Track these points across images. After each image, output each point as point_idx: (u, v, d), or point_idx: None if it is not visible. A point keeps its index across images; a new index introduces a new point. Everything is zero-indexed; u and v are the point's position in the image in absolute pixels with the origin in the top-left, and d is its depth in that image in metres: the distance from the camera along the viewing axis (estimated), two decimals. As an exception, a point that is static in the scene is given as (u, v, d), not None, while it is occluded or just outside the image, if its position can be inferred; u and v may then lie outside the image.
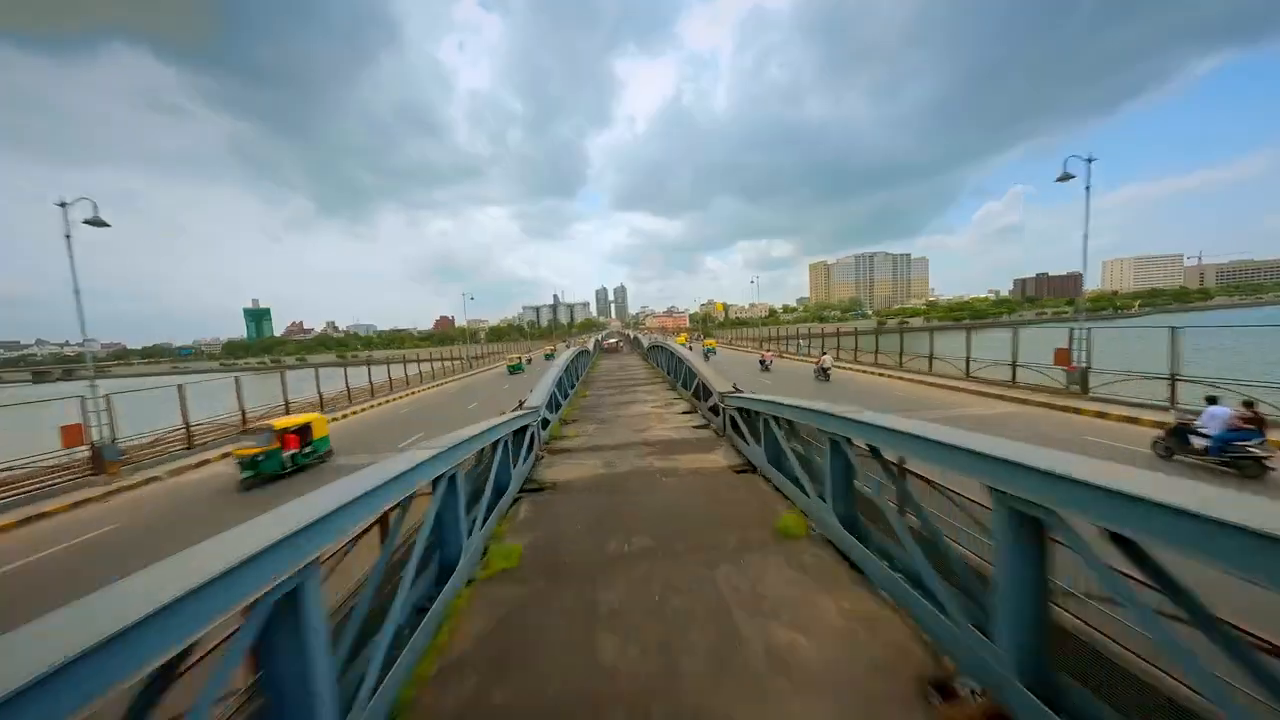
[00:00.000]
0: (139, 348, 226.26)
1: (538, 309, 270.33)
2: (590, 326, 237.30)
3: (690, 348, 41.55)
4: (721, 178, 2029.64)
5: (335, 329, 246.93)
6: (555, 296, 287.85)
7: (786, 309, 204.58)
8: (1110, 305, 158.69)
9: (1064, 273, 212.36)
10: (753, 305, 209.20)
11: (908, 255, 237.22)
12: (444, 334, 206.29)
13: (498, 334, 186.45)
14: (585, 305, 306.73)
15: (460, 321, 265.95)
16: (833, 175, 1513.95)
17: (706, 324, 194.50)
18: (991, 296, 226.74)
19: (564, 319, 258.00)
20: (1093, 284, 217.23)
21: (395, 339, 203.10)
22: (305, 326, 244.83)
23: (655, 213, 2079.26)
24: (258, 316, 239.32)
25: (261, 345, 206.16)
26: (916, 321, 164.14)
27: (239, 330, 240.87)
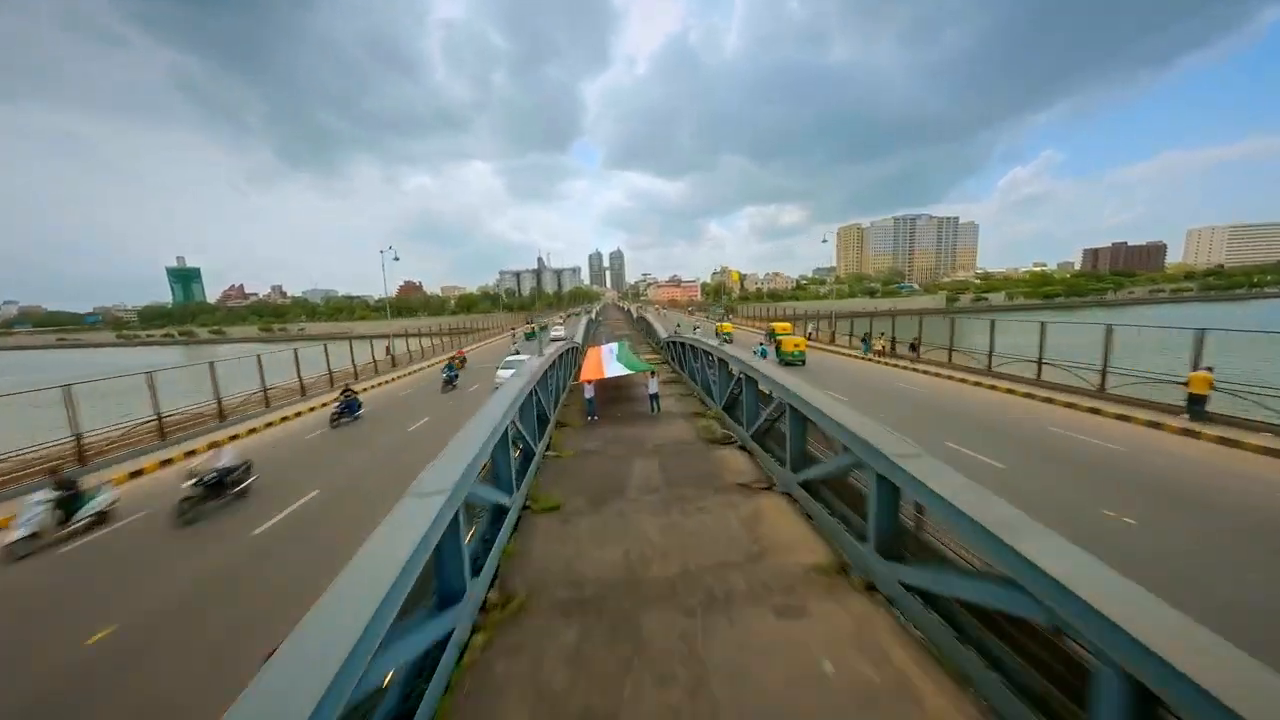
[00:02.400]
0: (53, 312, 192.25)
1: (518, 274, 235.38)
2: (582, 297, 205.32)
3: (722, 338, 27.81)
4: (729, 133, 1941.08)
5: (282, 294, 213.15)
6: (540, 259, 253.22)
7: (814, 280, 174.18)
8: (1246, 283, 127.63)
9: (1143, 243, 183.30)
10: (774, 275, 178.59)
11: (954, 219, 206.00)
12: (403, 302, 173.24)
13: (468, 304, 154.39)
14: (576, 271, 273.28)
15: (431, 288, 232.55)
16: (853, 133, 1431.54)
17: (720, 296, 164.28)
18: (1039, 270, 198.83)
19: (551, 286, 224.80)
20: (1175, 256, 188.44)
21: (344, 308, 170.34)
22: (246, 291, 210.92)
23: (655, 172, 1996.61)
24: (184, 279, 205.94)
25: (183, 313, 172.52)
26: (995, 299, 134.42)
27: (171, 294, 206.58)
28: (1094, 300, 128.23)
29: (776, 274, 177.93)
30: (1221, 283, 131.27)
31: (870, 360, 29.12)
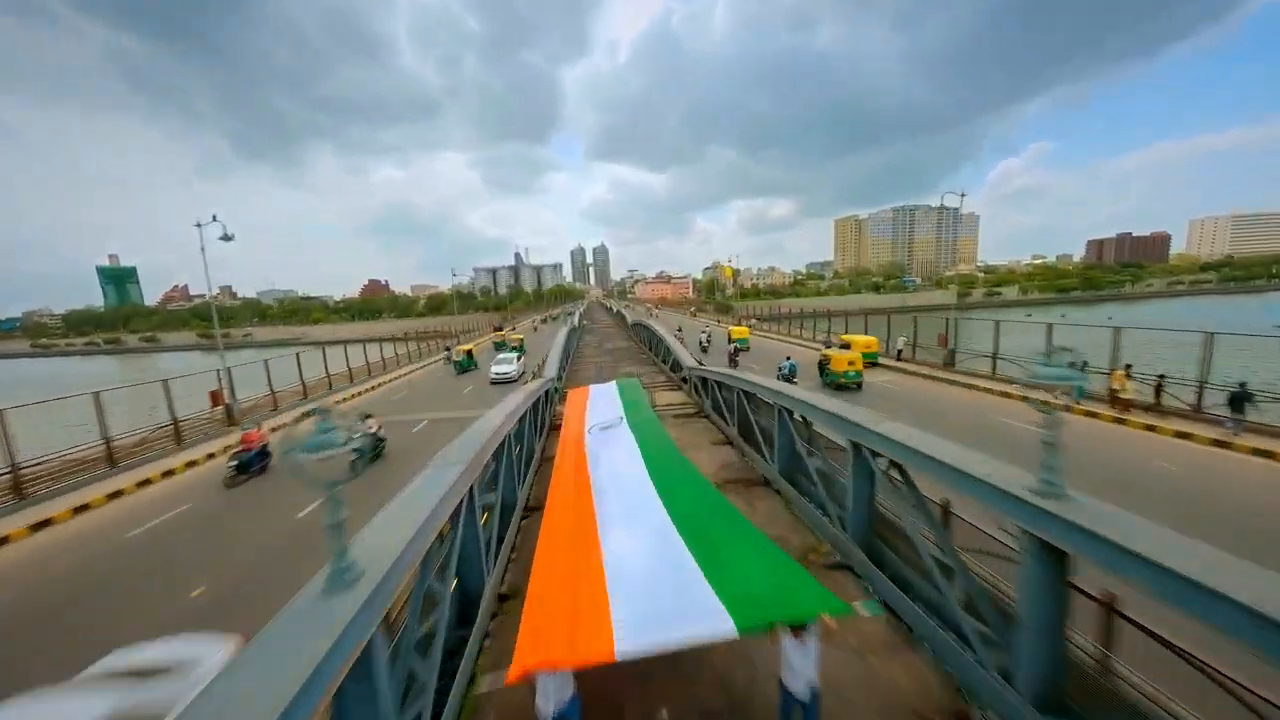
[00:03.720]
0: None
1: (494, 271, 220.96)
2: (564, 295, 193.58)
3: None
4: (716, 122, 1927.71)
5: (232, 296, 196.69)
6: (517, 255, 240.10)
7: (812, 275, 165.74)
8: (1265, 273, 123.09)
9: (1148, 233, 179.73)
10: (770, 270, 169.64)
11: (954, 210, 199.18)
12: (367, 303, 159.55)
13: (438, 304, 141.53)
14: (558, 268, 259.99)
15: (401, 287, 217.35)
16: (844, 123, 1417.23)
17: (714, 293, 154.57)
18: (1040, 263, 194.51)
19: (530, 284, 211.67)
20: (1177, 246, 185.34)
21: (299, 310, 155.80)
22: (191, 293, 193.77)
23: (640, 164, 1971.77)
24: (118, 279, 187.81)
25: (115, 317, 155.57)
26: (1009, 293, 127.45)
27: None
28: (1112, 294, 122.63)
29: (773, 269, 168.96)
30: (1241, 274, 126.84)
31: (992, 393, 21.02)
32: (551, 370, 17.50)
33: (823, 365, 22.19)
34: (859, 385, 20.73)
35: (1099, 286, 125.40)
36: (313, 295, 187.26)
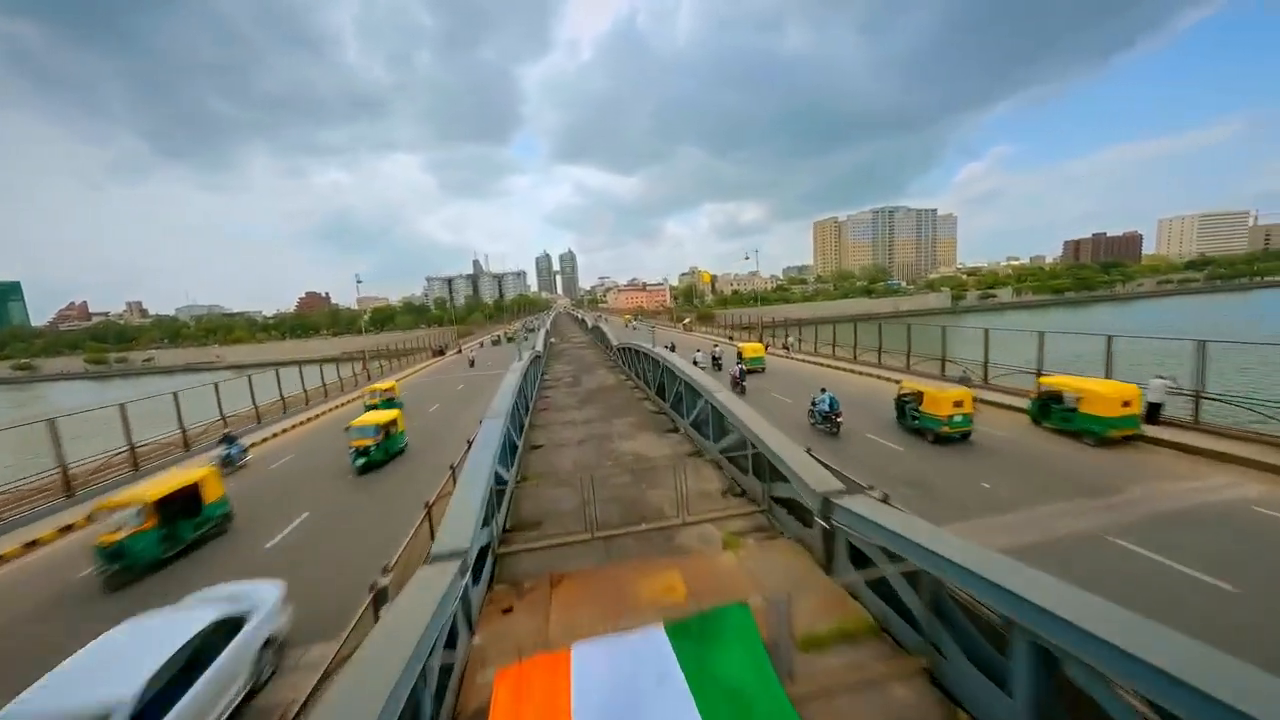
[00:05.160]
0: None
1: (450, 281, 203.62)
2: (529, 306, 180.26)
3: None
4: (685, 122, 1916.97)
5: (142, 313, 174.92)
6: (476, 262, 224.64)
7: (794, 279, 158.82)
8: (1248, 272, 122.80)
9: (1121, 233, 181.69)
10: (752, 275, 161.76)
11: (933, 211, 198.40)
12: (301, 319, 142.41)
13: (381, 319, 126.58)
14: (521, 276, 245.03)
15: (346, 300, 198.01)
16: (813, 124, 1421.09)
17: (693, 300, 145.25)
18: (1016, 264, 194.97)
19: (491, 294, 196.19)
20: (1149, 246, 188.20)
21: (219, 327, 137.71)
22: (91, 310, 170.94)
23: (607, 167, 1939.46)
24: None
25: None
26: (1004, 294, 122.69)
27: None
28: (1105, 295, 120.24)
29: (754, 274, 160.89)
30: (1225, 272, 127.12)
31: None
32: (462, 535, 5.85)
33: (904, 404, 16.27)
34: (967, 435, 14.76)
35: (1092, 287, 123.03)
36: (240, 311, 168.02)
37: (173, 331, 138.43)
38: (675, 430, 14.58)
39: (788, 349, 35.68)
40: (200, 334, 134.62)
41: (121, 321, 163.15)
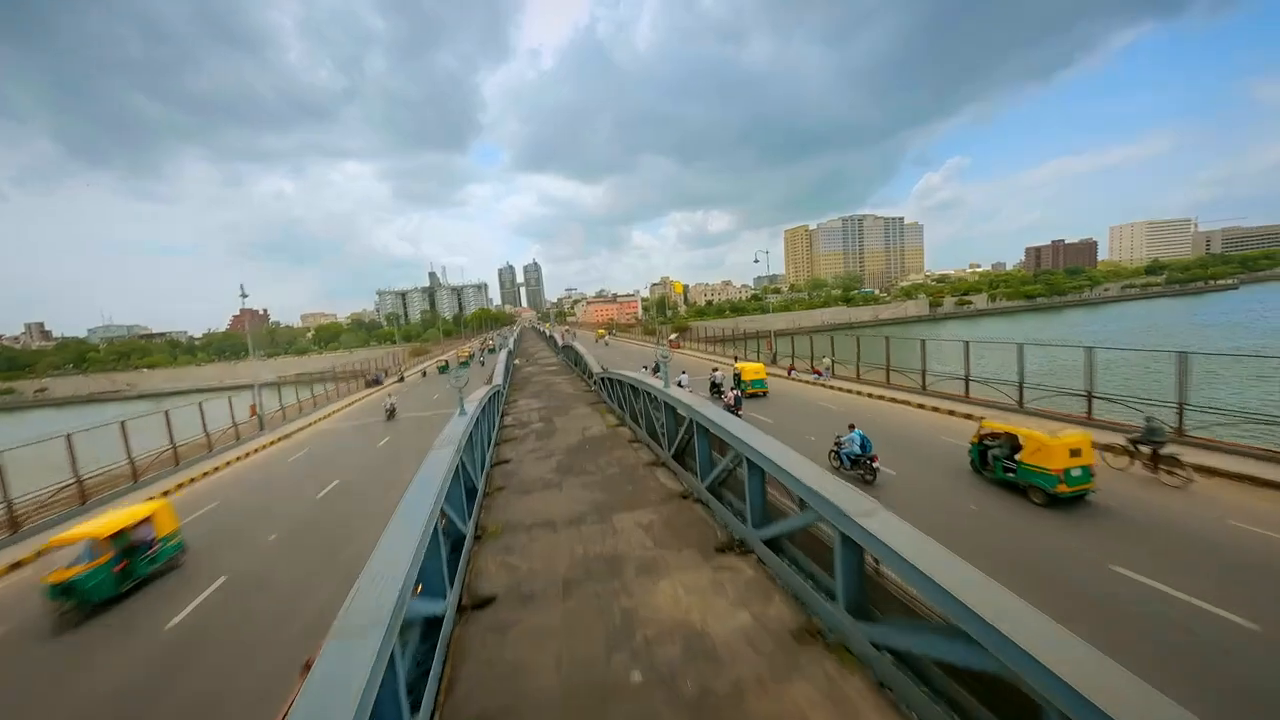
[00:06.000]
0: None
1: (404, 295, 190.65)
2: (490, 320, 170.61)
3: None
4: (650, 131, 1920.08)
5: (44, 335, 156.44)
6: (433, 274, 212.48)
7: (766, 289, 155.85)
8: (1202, 276, 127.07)
9: (1077, 240, 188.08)
10: (725, 284, 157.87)
11: (900, 219, 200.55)
12: (234, 339, 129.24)
13: (326, 337, 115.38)
14: (483, 288, 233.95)
15: (289, 318, 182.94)
16: (779, 133, 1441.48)
17: (665, 311, 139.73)
18: (976, 269, 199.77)
19: (449, 309, 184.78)
20: (1103, 253, 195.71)
21: (134, 350, 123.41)
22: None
23: (571, 176, 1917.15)
24: None
25: None
26: (979, 301, 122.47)
27: None
28: (1076, 300, 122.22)
29: (727, 283, 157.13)
30: (1183, 276, 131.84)
31: None
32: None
33: (986, 449, 12.26)
34: (1083, 495, 10.85)
35: (1062, 293, 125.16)
36: (162, 332, 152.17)
37: (79, 356, 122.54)
38: (731, 546, 7.95)
39: (792, 370, 29.66)
40: (110, 358, 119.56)
41: (18, 345, 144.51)
